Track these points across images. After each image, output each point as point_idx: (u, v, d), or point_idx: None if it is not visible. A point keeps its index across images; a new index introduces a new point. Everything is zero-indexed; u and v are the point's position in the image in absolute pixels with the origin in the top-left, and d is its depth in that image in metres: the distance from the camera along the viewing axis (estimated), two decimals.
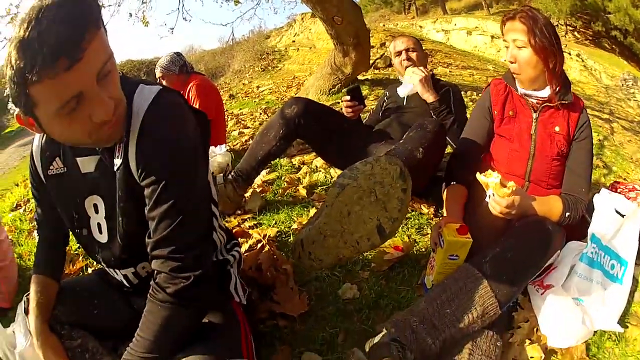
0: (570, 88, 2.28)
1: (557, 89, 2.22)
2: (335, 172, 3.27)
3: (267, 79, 11.82)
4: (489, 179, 1.93)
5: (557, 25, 27.00)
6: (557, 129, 2.25)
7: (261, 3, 7.83)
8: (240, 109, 7.18)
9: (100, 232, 1.53)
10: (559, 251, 2.05)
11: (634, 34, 23.24)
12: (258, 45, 18.70)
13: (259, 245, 2.42)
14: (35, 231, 3.04)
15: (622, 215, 2.16)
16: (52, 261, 1.75)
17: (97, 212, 1.51)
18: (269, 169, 3.43)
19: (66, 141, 1.31)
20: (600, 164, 4.49)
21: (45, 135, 1.52)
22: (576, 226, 2.17)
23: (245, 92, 9.64)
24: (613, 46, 24.82)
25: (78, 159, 1.45)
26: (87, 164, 1.44)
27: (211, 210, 1.56)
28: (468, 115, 2.76)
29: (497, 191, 1.92)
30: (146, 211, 1.33)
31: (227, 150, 3.65)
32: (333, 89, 6.59)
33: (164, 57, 4.30)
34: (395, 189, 1.67)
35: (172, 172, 1.30)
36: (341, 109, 3.03)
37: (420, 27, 22.61)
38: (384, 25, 21.19)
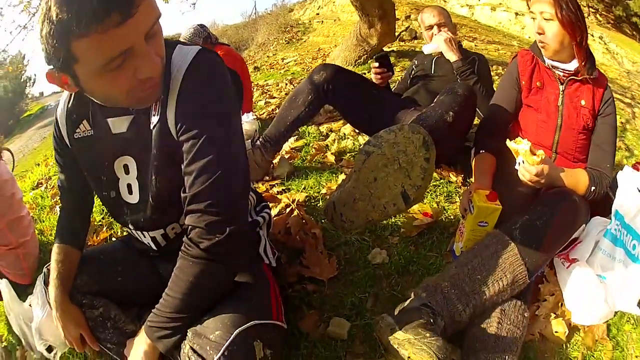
0: (594, 64, 2.30)
1: (584, 62, 2.23)
2: (363, 139, 3.23)
3: (292, 51, 11.78)
4: (519, 146, 1.92)
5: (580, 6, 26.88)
6: (583, 102, 2.26)
7: None
8: (266, 80, 7.16)
9: (131, 193, 1.52)
10: (584, 225, 2.05)
11: None
12: (282, 18, 18.60)
13: (288, 209, 2.42)
14: (58, 207, 3.07)
15: None
16: (75, 229, 1.75)
17: (127, 172, 1.49)
18: (296, 137, 3.41)
19: (103, 99, 1.28)
20: (622, 145, 4.48)
21: (72, 99, 1.51)
22: (600, 202, 2.16)
23: (270, 64, 9.62)
24: (634, 32, 24.48)
25: (109, 120, 1.42)
26: (118, 124, 1.42)
27: (247, 167, 1.54)
28: (495, 87, 2.75)
29: (527, 158, 1.91)
30: (183, 166, 1.31)
31: (254, 119, 3.64)
32: (359, 60, 6.51)
33: (187, 29, 4.30)
34: (418, 157, 1.68)
35: (212, 127, 1.29)
36: (369, 77, 3.00)
37: (444, 1, 22.41)
38: None
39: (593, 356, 1.78)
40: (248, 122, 3.47)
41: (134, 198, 1.52)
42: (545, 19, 2.21)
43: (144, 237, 1.61)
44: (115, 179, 1.51)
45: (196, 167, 1.27)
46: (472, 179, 2.33)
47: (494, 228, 1.91)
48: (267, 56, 12.40)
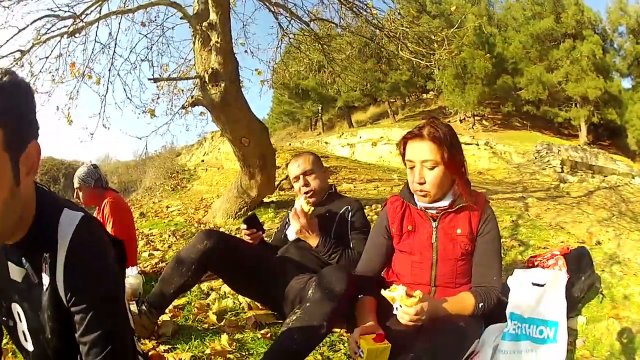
0: (470, 188, 2.33)
1: (461, 193, 2.29)
2: (243, 299, 3.35)
3: (177, 199, 11.95)
4: (394, 293, 2.00)
5: (464, 118, 28.27)
6: (459, 231, 2.28)
7: (175, 119, 8.12)
8: (150, 229, 7.21)
9: (26, 341, 1.49)
10: (478, 339, 2.18)
11: (548, 101, 25.19)
12: (169, 162, 18.71)
13: None
14: None
15: (542, 285, 2.36)
16: None
17: (20, 320, 1.47)
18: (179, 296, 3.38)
19: None
20: (515, 243, 4.71)
21: None
22: (495, 310, 2.27)
23: (155, 212, 9.70)
24: (524, 122, 26.46)
25: (9, 263, 1.42)
26: (15, 272, 1.41)
27: (133, 337, 1.56)
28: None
29: (404, 302, 1.97)
30: (77, 335, 1.34)
31: (138, 273, 3.69)
32: (239, 212, 6.76)
33: (82, 167, 4.38)
34: None
35: (101, 303, 1.34)
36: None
37: (326, 143, 22.96)
38: (290, 144, 21.53)
39: None
40: (132, 276, 3.50)
41: (29, 346, 1.49)
42: (428, 168, 2.20)
43: None
44: (13, 321, 1.49)
45: (89, 339, 1.31)
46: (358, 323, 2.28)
47: None
48: (153, 202, 12.37)
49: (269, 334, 2.87)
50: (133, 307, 2.76)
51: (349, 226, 3.11)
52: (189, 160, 20.32)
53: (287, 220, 3.44)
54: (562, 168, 14.00)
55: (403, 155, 2.34)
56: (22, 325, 1.47)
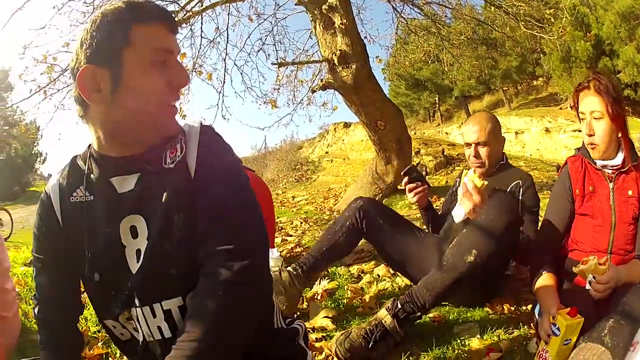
0: (634, 147, 2.31)
1: (628, 151, 2.26)
2: (402, 280, 3.10)
3: (302, 190, 12.11)
4: (587, 266, 1.94)
5: (570, 107, 27.32)
6: (630, 192, 2.24)
7: (298, 109, 8.14)
8: (279, 218, 7.20)
9: (138, 260, 1.28)
10: None
11: None
12: (291, 155, 19.28)
13: None
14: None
15: None
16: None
17: (135, 236, 1.29)
18: (328, 279, 3.22)
19: (140, 105, 1.23)
20: None
21: (65, 172, 1.41)
22: None
23: (281, 202, 9.86)
24: (627, 107, 24.60)
25: (113, 180, 1.30)
26: (125, 183, 1.29)
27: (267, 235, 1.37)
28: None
29: (597, 272, 1.93)
30: (200, 230, 1.22)
31: (279, 256, 3.56)
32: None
33: None
34: None
35: (232, 177, 1.32)
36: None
37: (447, 133, 22.72)
38: (415, 133, 21.47)
39: None
40: (273, 258, 3.38)
41: (134, 265, 1.30)
42: (595, 118, 2.22)
43: (141, 328, 1.31)
44: (113, 249, 1.30)
45: (214, 244, 1.18)
46: (543, 300, 2.16)
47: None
48: (277, 193, 12.66)
49: (438, 317, 2.57)
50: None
51: (520, 205, 2.70)
52: (311, 152, 20.83)
53: (455, 186, 3.06)
54: None
55: (577, 109, 2.35)
56: (139, 241, 1.29)
